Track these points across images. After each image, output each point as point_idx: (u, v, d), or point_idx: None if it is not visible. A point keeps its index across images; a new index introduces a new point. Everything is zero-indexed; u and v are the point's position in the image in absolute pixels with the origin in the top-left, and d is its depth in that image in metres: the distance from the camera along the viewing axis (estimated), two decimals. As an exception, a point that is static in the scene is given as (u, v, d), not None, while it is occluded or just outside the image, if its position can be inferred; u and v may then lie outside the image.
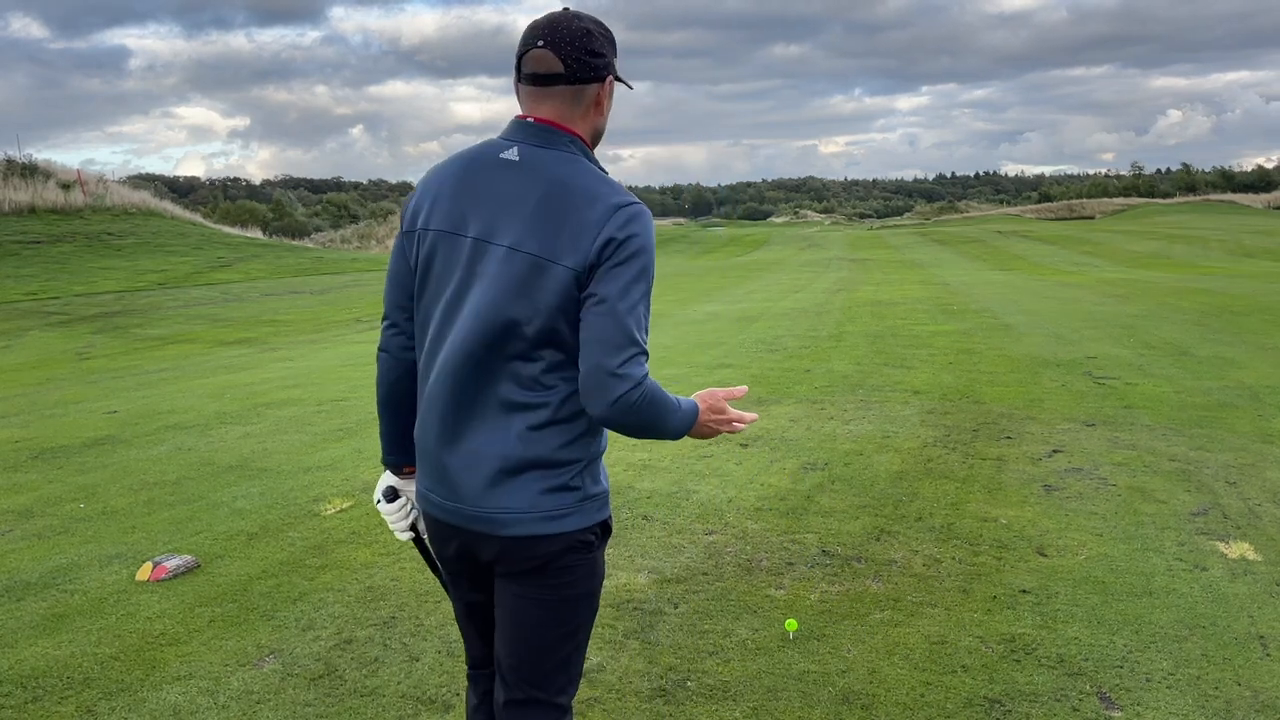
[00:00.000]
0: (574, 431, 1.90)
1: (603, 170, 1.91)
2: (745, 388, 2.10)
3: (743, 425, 2.05)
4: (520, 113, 1.93)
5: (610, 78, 1.92)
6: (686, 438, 2.01)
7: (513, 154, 1.88)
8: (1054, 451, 5.95)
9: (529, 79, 1.88)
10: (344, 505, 5.24)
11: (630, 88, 2.03)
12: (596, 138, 1.97)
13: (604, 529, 1.99)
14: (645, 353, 1.83)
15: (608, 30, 1.92)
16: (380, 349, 2.09)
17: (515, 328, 1.82)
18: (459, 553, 2.01)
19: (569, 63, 1.85)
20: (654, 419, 1.87)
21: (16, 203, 29.48)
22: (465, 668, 2.28)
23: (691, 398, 2.02)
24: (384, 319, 2.07)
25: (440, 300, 1.91)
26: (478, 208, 1.87)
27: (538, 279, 1.80)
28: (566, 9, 1.91)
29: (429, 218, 1.92)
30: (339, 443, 6.80)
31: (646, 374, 1.83)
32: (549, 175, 1.84)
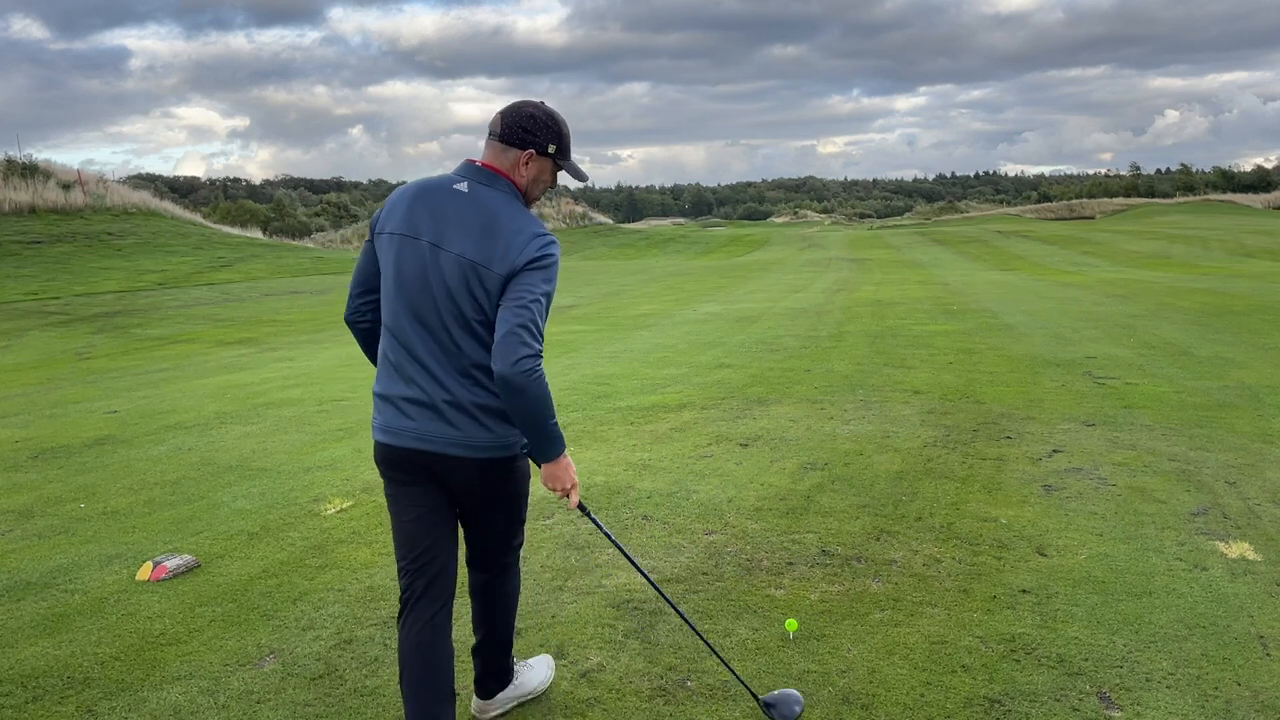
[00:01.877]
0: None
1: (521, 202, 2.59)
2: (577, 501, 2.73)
3: (573, 499, 2.68)
4: (471, 157, 2.63)
5: (532, 152, 2.55)
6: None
7: (464, 187, 2.56)
8: (1054, 451, 5.95)
9: (488, 130, 2.61)
10: (344, 505, 5.24)
11: (581, 180, 2.68)
12: (527, 196, 2.61)
13: (523, 445, 2.66)
14: (542, 334, 2.44)
15: (555, 124, 2.57)
16: (349, 322, 2.83)
17: (469, 313, 2.49)
18: (429, 475, 2.61)
19: (505, 128, 2.56)
20: (540, 400, 2.43)
21: (17, 203, 29.46)
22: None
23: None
24: (350, 301, 2.79)
25: (413, 284, 2.53)
26: (432, 221, 2.53)
27: (479, 280, 2.46)
28: (541, 102, 2.61)
29: (395, 225, 2.58)
30: (339, 443, 6.80)
31: (541, 352, 2.42)
32: (490, 208, 2.51)
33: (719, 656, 3.09)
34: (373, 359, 2.78)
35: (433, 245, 2.50)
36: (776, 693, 3.01)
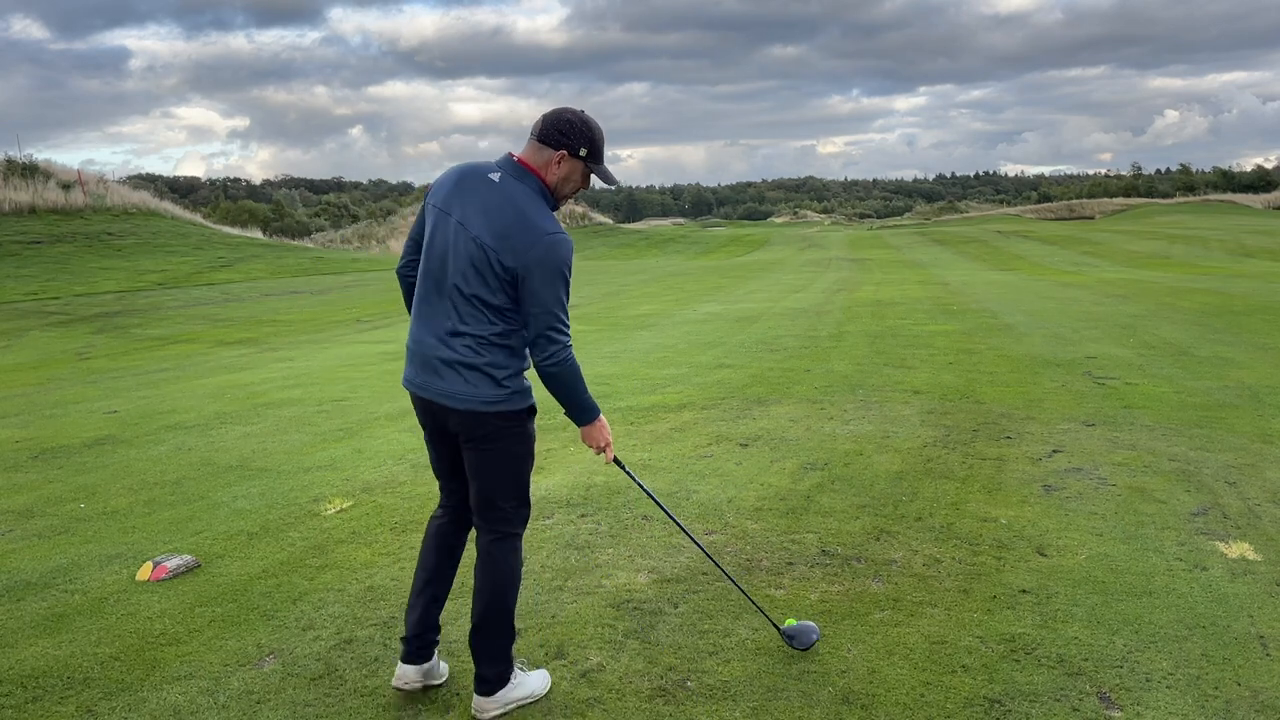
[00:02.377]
0: (504, 353, 2.89)
1: (550, 207, 2.88)
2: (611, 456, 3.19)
3: (608, 455, 3.14)
4: (511, 150, 2.95)
5: (565, 153, 2.85)
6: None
7: (496, 176, 2.88)
8: (1054, 451, 5.95)
9: (530, 134, 2.91)
10: (344, 505, 5.24)
11: (611, 184, 3.01)
12: (556, 193, 2.91)
13: (530, 412, 2.98)
14: (566, 325, 2.84)
15: (589, 130, 2.86)
16: (398, 274, 3.20)
17: (474, 288, 2.84)
18: (433, 420, 3.05)
19: (544, 129, 2.87)
20: (570, 380, 2.90)
21: (17, 203, 29.45)
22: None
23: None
24: (403, 255, 3.15)
25: (437, 253, 2.91)
26: (463, 202, 2.87)
27: (487, 263, 2.81)
28: (582, 110, 2.89)
29: (438, 199, 2.94)
30: (339, 443, 6.80)
31: (563, 338, 2.83)
32: (513, 200, 2.82)
33: (749, 597, 3.54)
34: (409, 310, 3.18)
35: (459, 224, 2.85)
36: (796, 624, 3.36)
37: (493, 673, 3.03)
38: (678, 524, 3.52)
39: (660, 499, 5.09)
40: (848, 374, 8.92)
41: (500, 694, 3.03)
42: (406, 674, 3.13)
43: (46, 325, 17.10)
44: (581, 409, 2.97)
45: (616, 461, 3.21)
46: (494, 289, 2.81)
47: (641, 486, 3.40)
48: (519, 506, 3.06)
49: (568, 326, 2.84)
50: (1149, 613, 3.61)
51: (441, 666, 3.24)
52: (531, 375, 3.02)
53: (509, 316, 2.85)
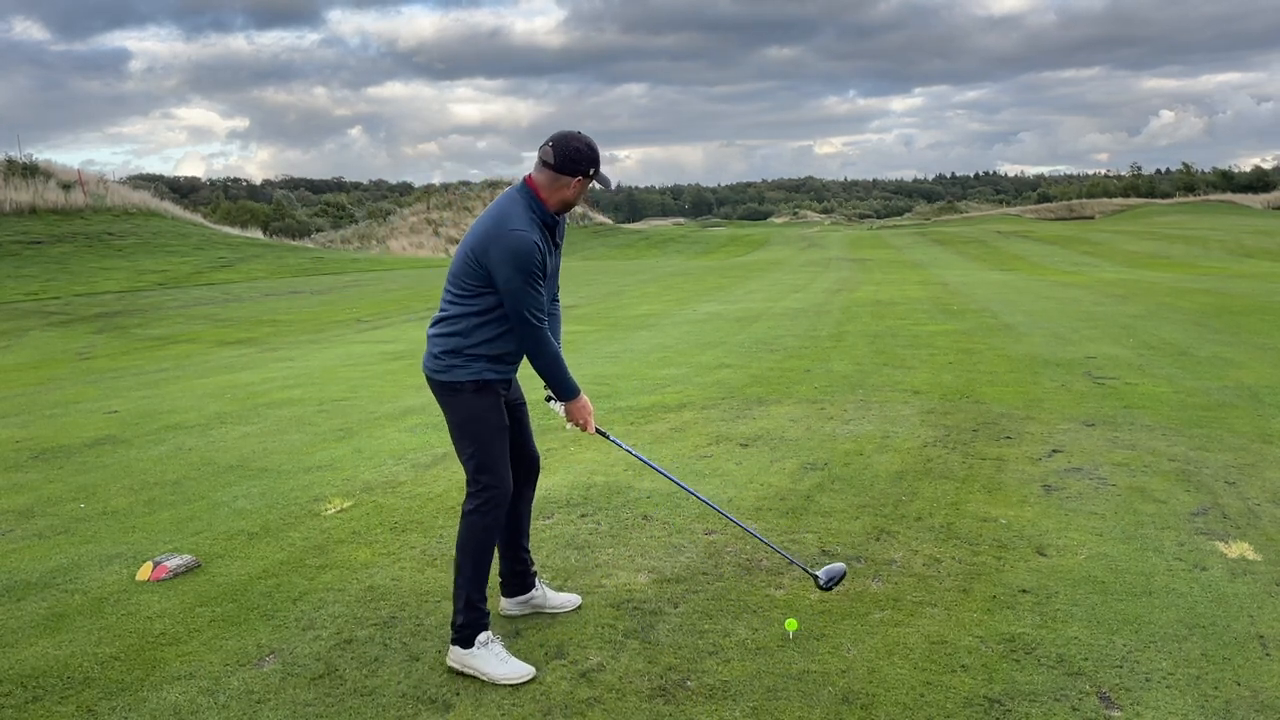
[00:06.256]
0: (454, 336, 3.33)
1: (535, 213, 3.26)
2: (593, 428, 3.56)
3: (589, 429, 3.51)
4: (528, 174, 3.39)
5: (581, 178, 3.26)
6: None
7: (509, 190, 3.36)
8: (1054, 451, 5.95)
9: (539, 158, 3.29)
10: (344, 505, 5.24)
11: (610, 188, 3.41)
12: (562, 206, 3.33)
13: (475, 386, 3.33)
14: (531, 309, 3.22)
15: (591, 152, 3.27)
16: None
17: (455, 280, 3.32)
18: None
19: (560, 161, 3.25)
20: (545, 360, 3.32)
21: (17, 203, 29.46)
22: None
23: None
24: None
25: None
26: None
27: (465, 257, 3.28)
28: (578, 132, 3.29)
29: None
30: (339, 443, 6.80)
31: (532, 323, 3.23)
32: (498, 206, 3.31)
33: (764, 540, 4.02)
34: None
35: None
36: (825, 568, 3.70)
37: (456, 620, 3.34)
38: (673, 479, 3.85)
39: (660, 500, 5.09)
40: (848, 374, 8.92)
41: (457, 649, 3.33)
42: (500, 604, 3.74)
43: (47, 325, 17.10)
44: (560, 386, 3.41)
45: (600, 431, 3.60)
46: (463, 279, 3.27)
47: (631, 451, 3.77)
48: (475, 473, 3.37)
49: (533, 309, 3.23)
50: (1149, 613, 3.62)
51: (549, 596, 3.78)
52: (527, 370, 3.42)
53: (466, 302, 3.28)
